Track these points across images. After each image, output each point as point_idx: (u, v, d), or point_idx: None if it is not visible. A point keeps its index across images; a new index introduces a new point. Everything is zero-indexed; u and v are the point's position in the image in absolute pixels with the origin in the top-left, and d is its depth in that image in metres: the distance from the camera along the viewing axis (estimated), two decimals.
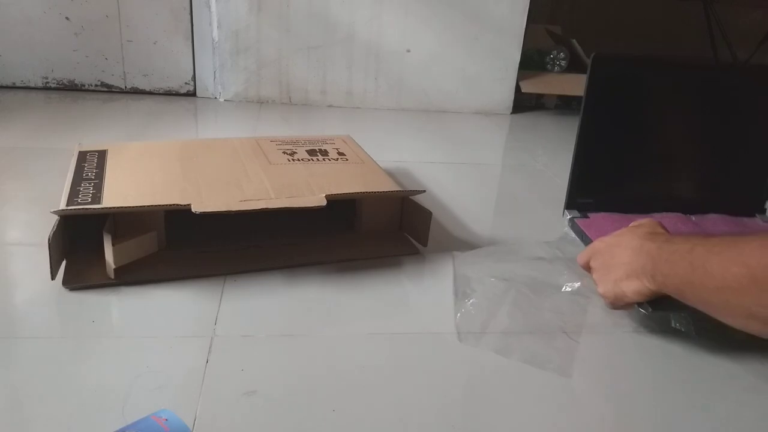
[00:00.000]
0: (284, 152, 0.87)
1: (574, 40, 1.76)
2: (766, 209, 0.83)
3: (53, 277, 0.65)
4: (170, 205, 0.69)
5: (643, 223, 0.67)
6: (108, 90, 1.49)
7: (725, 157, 0.81)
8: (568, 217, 0.77)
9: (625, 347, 0.64)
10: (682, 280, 0.57)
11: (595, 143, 0.76)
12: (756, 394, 0.59)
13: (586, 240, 0.74)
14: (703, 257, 0.55)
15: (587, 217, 0.77)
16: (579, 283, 0.70)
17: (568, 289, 0.70)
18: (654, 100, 0.78)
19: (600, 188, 0.77)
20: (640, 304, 0.64)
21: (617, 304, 0.65)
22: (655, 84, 0.78)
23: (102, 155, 0.83)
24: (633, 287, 0.62)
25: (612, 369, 0.62)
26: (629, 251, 0.63)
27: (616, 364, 0.62)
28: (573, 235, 0.77)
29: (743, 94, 0.80)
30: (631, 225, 0.68)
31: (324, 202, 0.72)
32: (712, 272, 0.54)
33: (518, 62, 1.56)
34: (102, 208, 0.67)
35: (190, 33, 1.47)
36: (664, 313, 0.64)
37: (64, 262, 0.69)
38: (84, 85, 1.47)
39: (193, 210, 0.68)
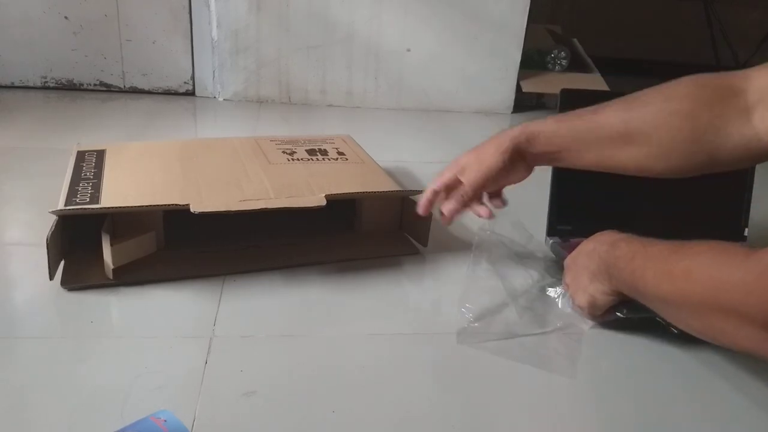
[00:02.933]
0: (284, 152, 0.87)
1: (575, 40, 1.76)
2: (745, 237, 0.84)
3: (52, 278, 0.65)
4: (169, 205, 0.69)
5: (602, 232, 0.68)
6: (107, 89, 1.48)
7: (703, 186, 0.83)
8: (550, 242, 0.80)
9: (623, 347, 0.64)
10: (627, 286, 0.59)
11: (569, 173, 0.78)
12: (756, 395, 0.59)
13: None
14: (642, 268, 0.56)
15: (568, 241, 0.79)
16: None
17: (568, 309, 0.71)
18: None
19: (579, 216, 0.81)
20: (615, 308, 0.64)
21: (595, 311, 0.66)
22: None
23: (100, 155, 0.83)
24: (598, 289, 0.64)
25: (611, 369, 0.61)
26: (585, 256, 0.66)
27: (615, 364, 0.62)
28: (555, 257, 0.79)
29: None
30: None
31: (324, 202, 0.72)
32: (650, 284, 0.55)
33: (519, 62, 1.55)
34: (100, 208, 0.67)
35: (189, 32, 1.47)
36: (640, 315, 0.63)
37: (62, 263, 0.69)
38: (83, 85, 1.47)
39: (191, 210, 0.67)
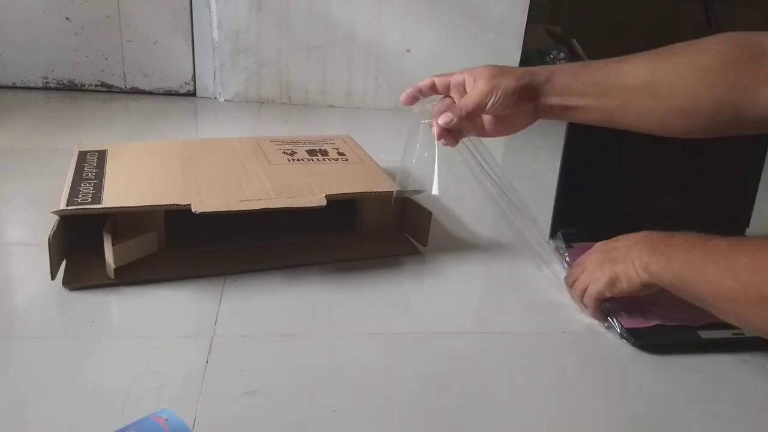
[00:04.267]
0: (284, 152, 0.87)
1: (574, 40, 1.76)
2: (746, 236, 0.85)
3: (53, 277, 0.65)
4: (170, 205, 0.69)
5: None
6: (108, 90, 1.48)
7: (705, 184, 0.84)
8: (553, 246, 0.80)
9: (616, 347, 0.64)
10: (677, 276, 0.57)
11: (577, 174, 0.79)
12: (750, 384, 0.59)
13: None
14: (700, 261, 0.55)
15: (572, 246, 0.79)
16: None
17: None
18: (633, 132, 0.80)
19: (583, 218, 0.80)
20: (623, 335, 0.64)
21: (605, 292, 0.64)
22: None
23: (102, 155, 0.83)
24: (626, 272, 0.62)
25: (607, 368, 0.62)
26: (627, 240, 0.63)
27: (610, 364, 0.62)
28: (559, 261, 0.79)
29: None
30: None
31: (324, 202, 0.72)
32: (708, 279, 0.54)
33: (518, 62, 1.55)
34: (102, 208, 0.67)
35: (190, 33, 1.47)
36: (643, 343, 0.64)
37: (64, 262, 0.69)
38: (84, 85, 1.47)
39: (193, 210, 0.68)
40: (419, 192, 0.84)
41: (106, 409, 0.50)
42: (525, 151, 1.34)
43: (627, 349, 0.64)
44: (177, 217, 0.73)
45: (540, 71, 0.64)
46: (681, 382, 0.60)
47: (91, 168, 0.79)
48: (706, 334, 0.64)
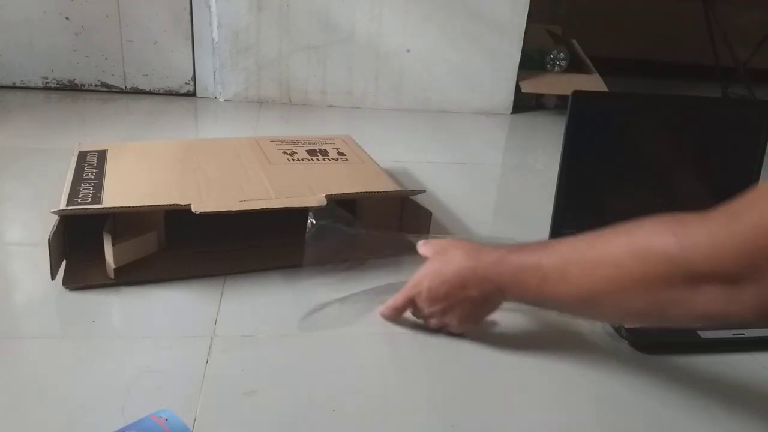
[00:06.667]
0: (284, 152, 0.87)
1: (574, 40, 1.76)
2: None
3: (53, 277, 0.65)
4: (170, 205, 0.69)
5: (445, 244, 0.63)
6: (108, 90, 1.48)
7: (706, 184, 0.84)
8: None
9: (616, 347, 0.64)
10: (533, 296, 0.55)
11: (577, 175, 0.79)
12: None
13: None
14: (557, 270, 0.52)
15: None
16: None
17: None
18: (633, 132, 0.80)
19: (583, 219, 0.80)
20: (620, 332, 0.65)
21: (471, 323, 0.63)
22: (633, 116, 0.80)
23: (102, 155, 0.83)
24: (483, 313, 0.62)
25: (607, 368, 0.62)
26: (457, 287, 0.59)
27: (610, 364, 0.62)
28: None
29: (720, 123, 0.82)
30: (432, 249, 0.64)
31: (324, 202, 0.72)
32: (574, 283, 0.51)
33: (518, 62, 1.55)
34: (102, 208, 0.67)
35: (190, 33, 1.47)
36: (643, 343, 0.64)
37: (64, 262, 0.69)
38: (84, 85, 1.47)
39: (193, 210, 0.68)
40: (420, 192, 0.84)
41: (107, 409, 0.50)
42: (525, 151, 1.34)
43: (627, 349, 0.64)
44: (177, 217, 0.73)
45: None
46: (681, 382, 0.60)
47: (91, 168, 0.79)
48: (706, 334, 0.64)
